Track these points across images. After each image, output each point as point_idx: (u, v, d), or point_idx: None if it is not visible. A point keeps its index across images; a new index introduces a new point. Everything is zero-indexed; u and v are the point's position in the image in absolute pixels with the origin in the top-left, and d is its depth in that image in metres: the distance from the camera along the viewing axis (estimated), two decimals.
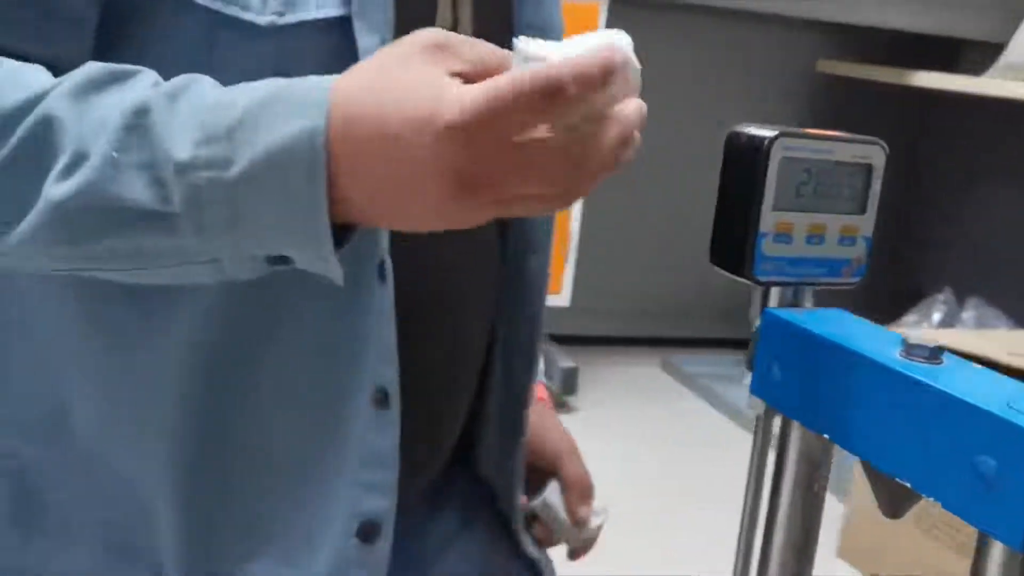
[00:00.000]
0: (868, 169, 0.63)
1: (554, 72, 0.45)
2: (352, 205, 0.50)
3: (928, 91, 2.50)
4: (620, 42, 0.51)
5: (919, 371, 0.52)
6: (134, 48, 0.59)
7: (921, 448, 0.52)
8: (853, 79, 2.77)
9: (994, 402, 0.48)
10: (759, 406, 0.65)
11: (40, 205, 0.51)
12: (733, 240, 0.61)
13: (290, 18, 0.59)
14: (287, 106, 0.49)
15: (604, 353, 2.87)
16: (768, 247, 0.61)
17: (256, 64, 0.58)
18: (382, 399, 0.63)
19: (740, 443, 2.45)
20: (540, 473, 0.87)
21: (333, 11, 0.59)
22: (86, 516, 0.67)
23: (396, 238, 0.63)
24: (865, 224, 0.64)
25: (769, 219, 0.60)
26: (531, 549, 0.83)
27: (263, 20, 0.58)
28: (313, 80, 0.51)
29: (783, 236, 0.62)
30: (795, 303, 0.64)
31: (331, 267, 0.52)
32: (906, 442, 0.52)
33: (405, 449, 0.66)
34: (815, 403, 0.59)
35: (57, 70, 0.55)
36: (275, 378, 0.63)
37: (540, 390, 0.94)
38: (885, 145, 0.63)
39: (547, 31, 0.75)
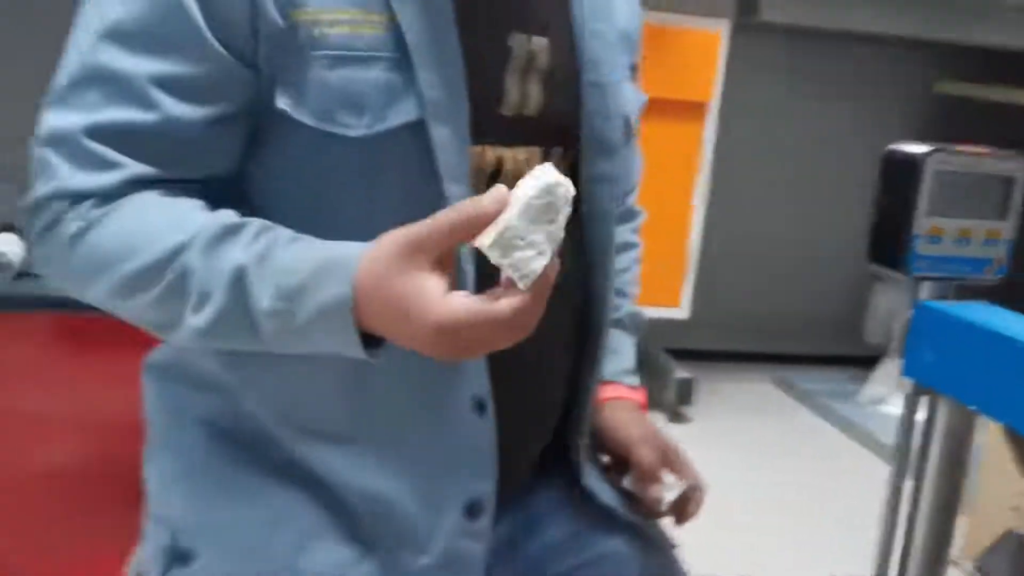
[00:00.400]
0: (1010, 181, 0.73)
1: (503, 314, 0.63)
2: (377, 334, 0.69)
3: None
4: (567, 200, 0.63)
5: None
6: (259, 161, 0.78)
7: None
8: (970, 99, 2.79)
9: None
10: (908, 385, 0.75)
11: (184, 326, 0.73)
12: (891, 240, 0.72)
13: (378, 128, 0.74)
14: (326, 280, 0.67)
15: (719, 367, 2.93)
16: (922, 247, 0.71)
17: (353, 164, 0.75)
18: (480, 407, 0.80)
19: (855, 457, 2.49)
20: (620, 461, 0.97)
21: (412, 116, 0.74)
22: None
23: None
24: (1007, 229, 0.73)
25: (923, 223, 0.71)
26: (605, 497, 0.92)
27: (358, 133, 0.74)
28: (343, 259, 0.68)
29: (935, 238, 0.72)
30: (942, 297, 0.74)
31: (373, 361, 0.70)
32: None
33: (504, 442, 0.81)
34: (964, 380, 0.68)
35: (209, 186, 0.75)
36: (392, 381, 0.80)
37: (640, 394, 1.04)
38: None
39: (606, 89, 0.86)
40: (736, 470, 2.28)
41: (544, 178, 0.61)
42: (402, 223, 0.69)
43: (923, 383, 0.73)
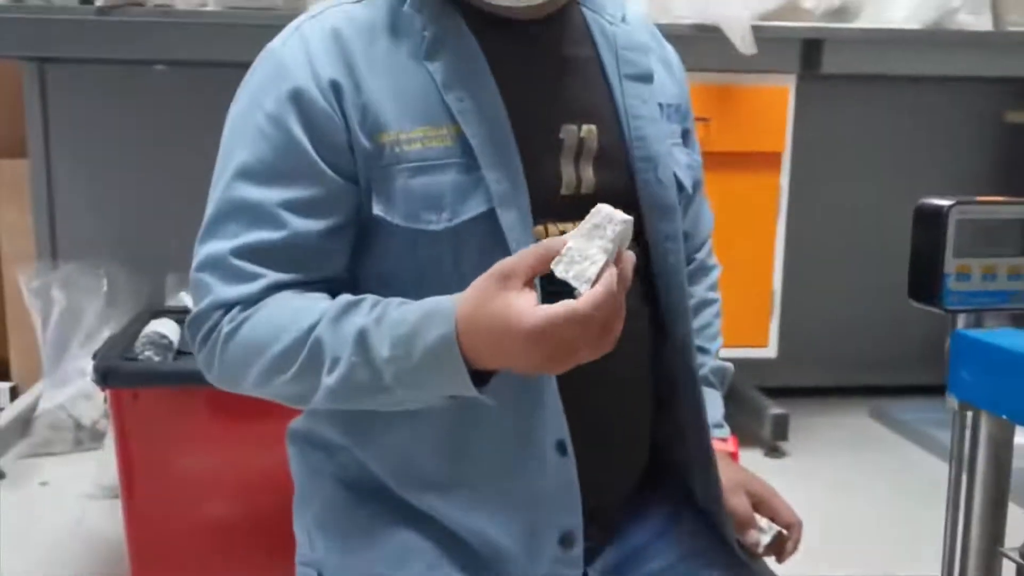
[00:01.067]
0: None
1: (585, 310, 0.74)
2: (482, 364, 0.80)
3: None
4: (610, 228, 0.77)
5: None
6: (368, 260, 0.92)
7: None
8: None
9: None
10: (954, 403, 0.87)
11: (320, 389, 0.85)
12: (925, 280, 0.85)
13: (456, 221, 0.90)
14: (430, 321, 0.80)
15: (812, 403, 3.00)
16: (952, 284, 0.85)
17: (440, 252, 0.89)
18: (561, 448, 0.92)
19: None
20: None
21: (483, 207, 0.88)
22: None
23: None
24: None
25: (951, 263, 0.84)
26: (735, 540, 1.01)
27: (440, 227, 0.89)
28: (444, 302, 0.81)
29: (963, 275, 0.85)
30: (977, 326, 0.87)
31: (480, 398, 0.81)
32: None
33: (592, 478, 0.93)
34: (996, 394, 0.81)
35: (332, 284, 0.90)
36: (483, 433, 0.92)
37: (730, 444, 1.13)
38: None
39: (656, 160, 0.98)
40: (837, 502, 2.35)
41: (592, 211, 0.77)
42: None
43: (965, 400, 0.85)
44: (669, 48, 1.11)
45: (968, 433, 0.87)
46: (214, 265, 0.90)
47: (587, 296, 0.75)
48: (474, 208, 0.89)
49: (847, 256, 2.99)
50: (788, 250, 2.56)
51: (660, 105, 1.02)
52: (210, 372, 0.93)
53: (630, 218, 0.77)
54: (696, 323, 1.12)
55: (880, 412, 2.98)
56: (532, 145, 0.91)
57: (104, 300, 2.57)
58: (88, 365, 2.51)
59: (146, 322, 1.79)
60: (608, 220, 0.76)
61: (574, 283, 0.76)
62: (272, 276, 0.89)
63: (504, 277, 0.77)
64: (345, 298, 0.87)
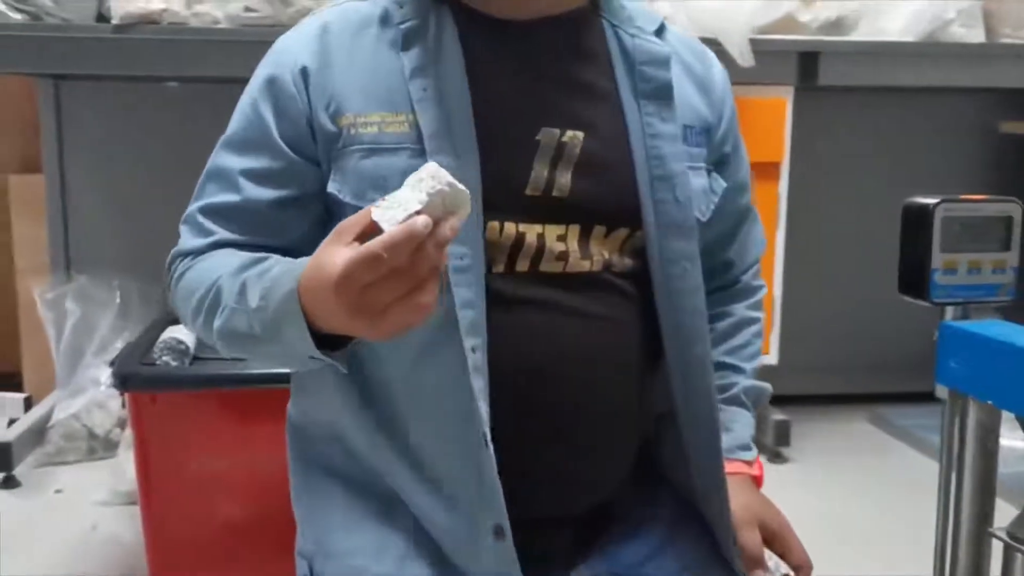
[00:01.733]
0: (1009, 220, 0.90)
1: (374, 248, 0.74)
2: (324, 324, 0.81)
3: None
4: (431, 183, 0.76)
5: None
6: (324, 234, 0.86)
7: None
8: None
9: None
10: (943, 391, 0.92)
11: (214, 332, 0.91)
12: (914, 275, 0.90)
13: None
14: (285, 276, 0.84)
15: (813, 410, 3.04)
16: (939, 278, 0.89)
17: None
18: (485, 441, 0.90)
19: None
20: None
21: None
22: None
23: (514, 351, 0.91)
24: (1011, 258, 0.91)
25: (938, 258, 0.89)
26: (738, 563, 1.00)
27: None
28: (301, 263, 0.83)
29: (950, 270, 0.90)
30: (964, 318, 0.91)
31: (330, 363, 0.85)
32: None
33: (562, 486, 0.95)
34: (982, 382, 0.86)
35: (280, 251, 0.92)
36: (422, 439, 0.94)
37: (755, 467, 1.10)
38: (1020, 202, 0.90)
39: (674, 180, 0.97)
40: (837, 506, 2.38)
41: (423, 167, 0.77)
42: None
43: (953, 388, 0.90)
44: (715, 69, 1.07)
45: (957, 420, 0.91)
46: (187, 220, 1.01)
47: (381, 236, 0.74)
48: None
49: (846, 264, 3.03)
50: (788, 259, 2.61)
51: (684, 127, 0.99)
52: (176, 313, 1.02)
53: (464, 189, 0.77)
54: (735, 342, 1.11)
55: (879, 418, 3.03)
56: (501, 142, 0.93)
57: (117, 311, 2.62)
58: (102, 375, 2.57)
59: (163, 329, 1.84)
60: (432, 177, 0.76)
61: (384, 226, 0.75)
62: (222, 234, 0.98)
63: (337, 233, 0.79)
64: (255, 255, 0.93)
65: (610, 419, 0.98)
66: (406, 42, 0.95)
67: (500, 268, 0.92)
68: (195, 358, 1.76)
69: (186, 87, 2.70)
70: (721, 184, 1.06)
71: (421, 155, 0.90)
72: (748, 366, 1.13)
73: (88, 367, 2.60)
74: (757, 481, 1.11)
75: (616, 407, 0.99)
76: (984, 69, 2.47)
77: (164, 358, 1.71)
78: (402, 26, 0.95)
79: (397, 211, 0.75)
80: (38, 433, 2.56)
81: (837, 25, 2.37)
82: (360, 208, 0.82)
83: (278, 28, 2.08)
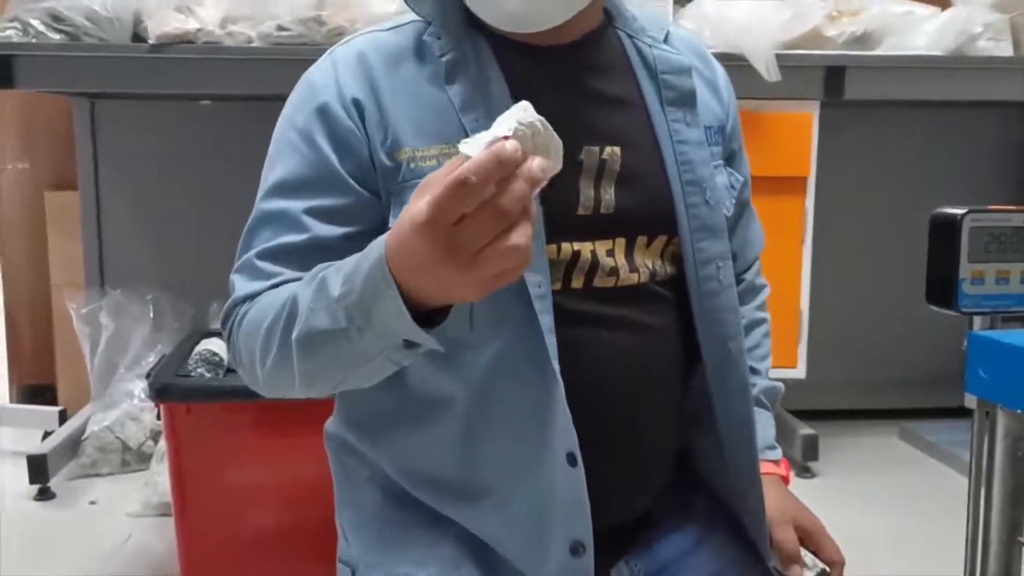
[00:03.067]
0: None
1: (459, 173, 0.69)
2: (417, 292, 0.76)
3: None
4: (523, 119, 0.71)
5: None
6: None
7: None
8: None
9: None
10: (972, 401, 0.93)
11: (294, 357, 0.86)
12: (942, 285, 0.91)
13: None
14: (370, 251, 0.79)
15: (841, 424, 3.03)
16: (967, 288, 0.90)
17: None
18: (572, 460, 0.91)
19: None
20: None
21: None
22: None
23: (572, 367, 0.91)
24: None
25: (966, 268, 0.90)
26: (773, 560, 1.03)
27: None
28: (382, 237, 0.79)
29: (977, 280, 0.91)
30: (992, 327, 0.92)
31: (424, 338, 0.78)
32: None
33: (607, 490, 0.94)
34: (1012, 390, 0.86)
35: None
36: (495, 443, 0.93)
37: (782, 467, 1.14)
38: None
39: (703, 184, 0.98)
40: (866, 520, 2.37)
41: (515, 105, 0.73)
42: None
43: (982, 397, 0.91)
44: (718, 69, 1.12)
45: (986, 429, 0.92)
46: (243, 267, 0.95)
47: (467, 162, 0.69)
48: None
49: (873, 279, 3.03)
50: (815, 273, 2.61)
51: (705, 128, 1.03)
52: (238, 369, 0.97)
53: (556, 136, 0.73)
54: (748, 343, 1.13)
55: (909, 433, 3.01)
56: None
57: (150, 326, 2.67)
58: (135, 388, 2.61)
59: (198, 341, 1.87)
60: (523, 110, 0.72)
61: (467, 152, 0.71)
62: (288, 274, 0.93)
63: (423, 184, 0.75)
64: (321, 265, 0.89)
65: (660, 427, 1.02)
66: (450, 75, 0.95)
67: (557, 286, 0.94)
68: (229, 370, 1.79)
69: (218, 104, 2.76)
70: (738, 178, 1.09)
71: None
72: (762, 367, 1.16)
73: (122, 380, 2.64)
74: (784, 481, 1.13)
75: (664, 415, 1.02)
76: (1012, 83, 2.46)
77: (199, 370, 1.74)
78: (443, 58, 0.96)
79: (483, 137, 0.70)
80: (73, 446, 2.61)
81: (863, 40, 2.38)
82: None
83: (310, 47, 2.12)
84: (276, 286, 0.92)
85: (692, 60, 1.06)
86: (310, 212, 0.93)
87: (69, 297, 2.75)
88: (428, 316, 0.79)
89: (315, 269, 0.88)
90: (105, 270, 2.86)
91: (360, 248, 0.89)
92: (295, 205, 0.94)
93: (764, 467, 1.09)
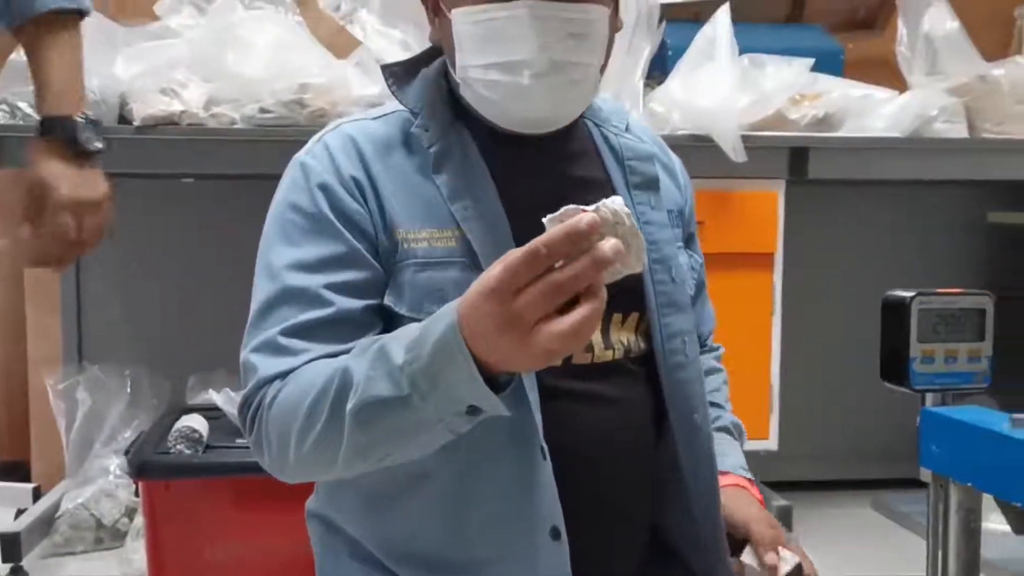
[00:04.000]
0: (982, 312, 0.97)
1: (533, 244, 0.73)
2: (488, 358, 0.77)
3: None
4: (610, 205, 0.74)
5: (1020, 434, 0.84)
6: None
7: None
8: None
9: None
10: (927, 475, 0.97)
11: (346, 432, 0.86)
12: (894, 363, 0.96)
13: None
14: (439, 319, 0.82)
15: (815, 495, 3.06)
16: (918, 366, 0.96)
17: None
18: (556, 533, 0.94)
19: None
20: (737, 540, 1.12)
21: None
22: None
23: (553, 442, 0.94)
24: (985, 347, 0.97)
25: (916, 348, 0.95)
26: (749, 557, 1.06)
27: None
28: (449, 305, 0.82)
29: (928, 358, 0.96)
30: (943, 404, 0.97)
31: (493, 402, 0.80)
32: (1019, 479, 0.84)
33: (589, 561, 0.96)
34: (962, 464, 0.91)
35: None
36: (482, 517, 0.95)
37: (755, 488, 1.18)
38: (992, 295, 0.97)
39: (668, 262, 1.04)
40: None
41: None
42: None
43: (936, 471, 0.95)
44: (673, 156, 1.19)
45: (941, 501, 0.96)
46: (263, 346, 0.95)
47: (544, 233, 0.72)
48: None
49: (842, 351, 3.08)
50: (785, 346, 2.67)
51: (667, 212, 1.10)
52: (261, 454, 0.96)
53: (636, 227, 0.75)
54: (711, 386, 1.18)
55: (882, 504, 3.04)
56: None
57: (128, 401, 2.67)
58: (111, 464, 2.60)
59: (177, 418, 1.89)
60: (612, 200, 0.75)
61: (547, 224, 0.74)
62: (318, 350, 0.94)
63: (503, 257, 0.77)
64: (368, 339, 0.91)
65: (637, 500, 1.05)
66: (437, 165, 1.01)
67: None
68: (208, 446, 1.81)
69: (199, 182, 2.80)
70: (697, 260, 1.17)
71: (470, 268, 0.96)
72: (727, 405, 1.23)
73: (97, 456, 2.63)
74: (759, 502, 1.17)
75: (641, 488, 1.06)
76: (968, 162, 2.56)
77: (179, 446, 1.75)
78: (431, 149, 1.01)
79: (569, 212, 0.72)
80: (47, 523, 2.58)
81: (825, 122, 2.47)
82: (416, 320, 0.87)
83: (293, 128, 2.19)
84: (310, 362, 0.93)
85: (654, 148, 1.14)
86: (331, 287, 0.95)
87: (46, 372, 2.75)
88: (491, 382, 0.80)
89: (363, 342, 0.89)
90: (83, 346, 2.87)
91: (380, 319, 0.95)
92: (315, 281, 0.95)
93: (740, 480, 1.13)
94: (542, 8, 0.94)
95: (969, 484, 0.90)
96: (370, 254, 0.99)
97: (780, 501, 2.71)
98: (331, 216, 0.98)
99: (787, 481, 2.94)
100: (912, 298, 0.95)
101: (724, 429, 1.19)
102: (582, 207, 0.74)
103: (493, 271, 0.76)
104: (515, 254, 0.74)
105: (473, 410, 0.82)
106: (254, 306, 0.99)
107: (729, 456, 1.17)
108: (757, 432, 2.67)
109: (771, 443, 2.67)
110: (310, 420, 0.89)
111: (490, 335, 0.76)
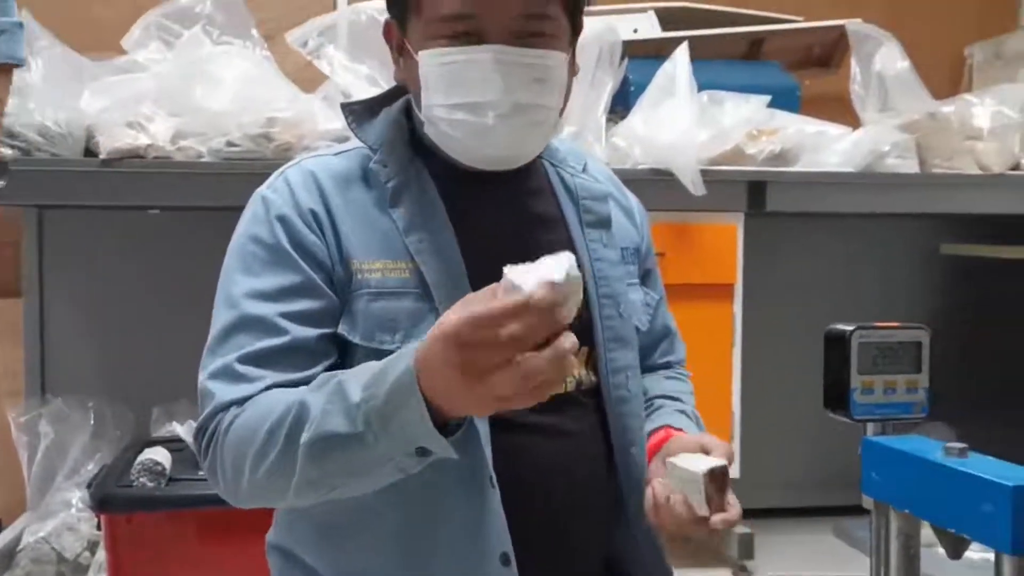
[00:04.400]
0: (919, 344, 1.01)
1: (498, 310, 0.75)
2: (441, 401, 0.81)
3: None
4: (558, 265, 0.77)
5: (953, 463, 0.88)
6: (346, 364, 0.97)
7: (961, 509, 0.87)
8: (978, 258, 3.06)
9: (1002, 475, 0.83)
10: (869, 502, 1.01)
11: (299, 462, 0.88)
12: (836, 394, 1.00)
13: (408, 342, 0.97)
14: (398, 359, 0.86)
15: (776, 523, 3.09)
16: (858, 397, 1.00)
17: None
18: (506, 560, 0.98)
19: None
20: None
21: None
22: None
23: (506, 472, 0.97)
24: (922, 379, 1.01)
25: (856, 379, 0.99)
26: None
27: (394, 347, 0.97)
28: (409, 348, 0.86)
29: (868, 390, 1.00)
30: (883, 433, 1.01)
31: (443, 445, 0.84)
32: (952, 506, 0.88)
33: None
34: (900, 492, 0.95)
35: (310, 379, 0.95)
36: (438, 540, 0.98)
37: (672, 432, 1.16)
38: (928, 328, 1.02)
39: (618, 298, 1.08)
40: None
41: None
42: None
43: (876, 498, 0.99)
44: (631, 196, 1.24)
45: (882, 528, 1.00)
46: (220, 373, 0.98)
47: (510, 296, 0.75)
48: (425, 332, 0.91)
49: (802, 380, 3.11)
50: (745, 374, 2.71)
51: (621, 249, 1.14)
52: (216, 479, 0.98)
53: (580, 283, 0.79)
54: (680, 388, 1.23)
55: (842, 530, 3.08)
56: (486, 282, 1.00)
57: (91, 433, 2.65)
58: (74, 497, 2.58)
59: (140, 450, 1.89)
60: (568, 259, 0.80)
61: (511, 277, 0.77)
62: (274, 377, 0.97)
63: (464, 303, 0.81)
64: (326, 374, 0.94)
65: (590, 528, 1.09)
66: (394, 199, 1.04)
67: None
68: (171, 479, 1.81)
69: (165, 214, 2.81)
70: (653, 296, 1.21)
71: (423, 299, 0.99)
72: (689, 400, 1.25)
73: (60, 489, 2.60)
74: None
75: (594, 516, 1.09)
76: (919, 196, 2.64)
77: (142, 479, 1.75)
78: (388, 184, 1.05)
79: (533, 270, 0.76)
80: (7, 557, 2.55)
81: (782, 157, 2.54)
82: (368, 348, 0.90)
83: (260, 162, 2.21)
84: (266, 389, 0.95)
85: (609, 188, 1.18)
86: (286, 316, 0.98)
87: (8, 406, 2.73)
88: (442, 426, 0.84)
89: (322, 376, 0.92)
90: (46, 378, 2.85)
91: (335, 348, 0.97)
92: (270, 310, 0.98)
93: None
94: (505, 53, 0.98)
95: (907, 511, 0.93)
96: (326, 284, 1.01)
97: (742, 529, 2.75)
98: (289, 247, 1.01)
99: (750, 509, 2.96)
100: (852, 332, 0.99)
101: (688, 414, 1.20)
102: (545, 274, 0.77)
103: (452, 318, 0.78)
104: (478, 307, 0.76)
105: (423, 451, 0.86)
106: (212, 332, 1.02)
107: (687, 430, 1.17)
108: None
109: (733, 472, 2.70)
110: (265, 449, 0.91)
111: (443, 379, 0.79)
